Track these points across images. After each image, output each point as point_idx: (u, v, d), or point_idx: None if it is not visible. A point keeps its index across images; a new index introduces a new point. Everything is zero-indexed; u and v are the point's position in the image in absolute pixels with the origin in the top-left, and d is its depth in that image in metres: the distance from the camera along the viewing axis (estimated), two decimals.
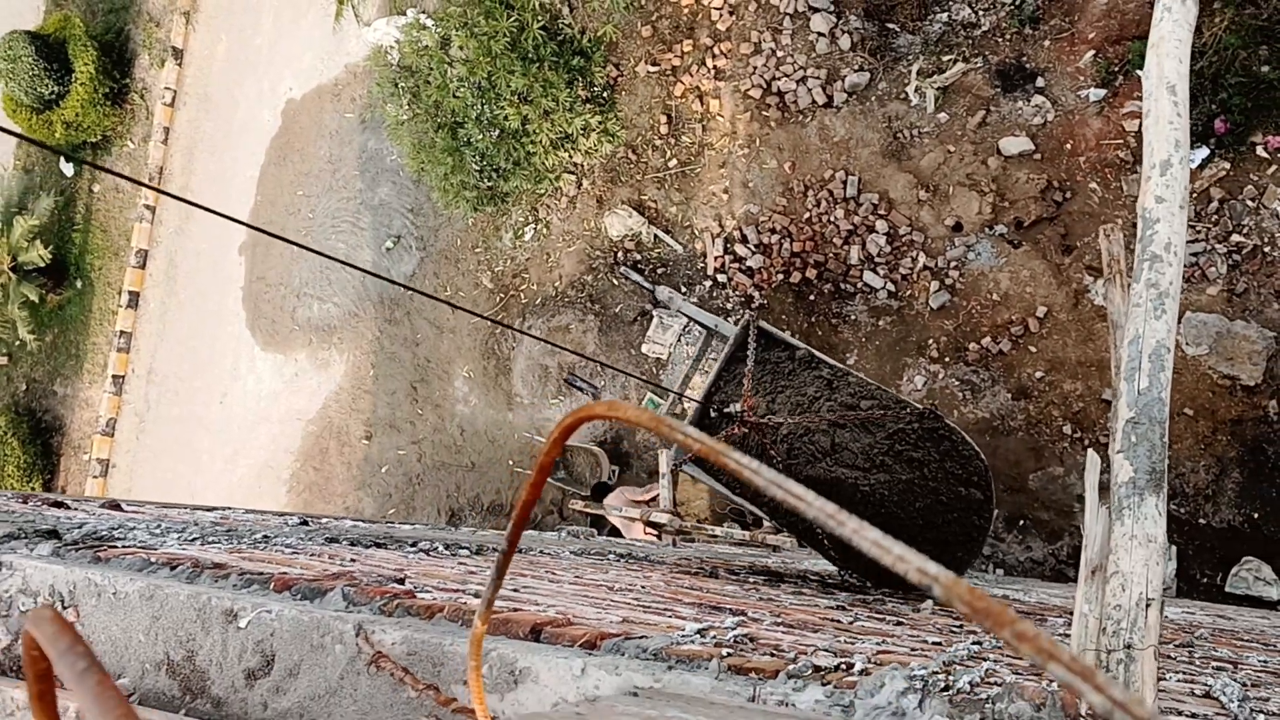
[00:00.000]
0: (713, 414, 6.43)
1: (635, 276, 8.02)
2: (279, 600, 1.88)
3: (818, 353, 6.58)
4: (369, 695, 1.65)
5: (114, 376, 15.43)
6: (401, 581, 2.32)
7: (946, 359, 9.61)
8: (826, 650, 1.92)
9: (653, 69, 11.31)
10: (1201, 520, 8.69)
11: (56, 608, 1.97)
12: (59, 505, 3.33)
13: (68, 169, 16.57)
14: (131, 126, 16.10)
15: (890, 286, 9.88)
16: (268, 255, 14.28)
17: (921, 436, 6.17)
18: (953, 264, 9.64)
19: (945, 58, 9.84)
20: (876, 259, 9.96)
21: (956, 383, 9.52)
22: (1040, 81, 9.47)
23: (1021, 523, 9.29)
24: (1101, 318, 9.18)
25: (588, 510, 8.69)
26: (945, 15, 9.90)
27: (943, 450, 6.15)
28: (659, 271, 11.09)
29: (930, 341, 9.70)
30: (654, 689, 1.48)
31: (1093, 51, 9.24)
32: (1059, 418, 9.13)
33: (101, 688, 0.61)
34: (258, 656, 1.74)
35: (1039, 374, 9.23)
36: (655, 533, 8.45)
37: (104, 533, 2.44)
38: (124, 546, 2.27)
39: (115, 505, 3.74)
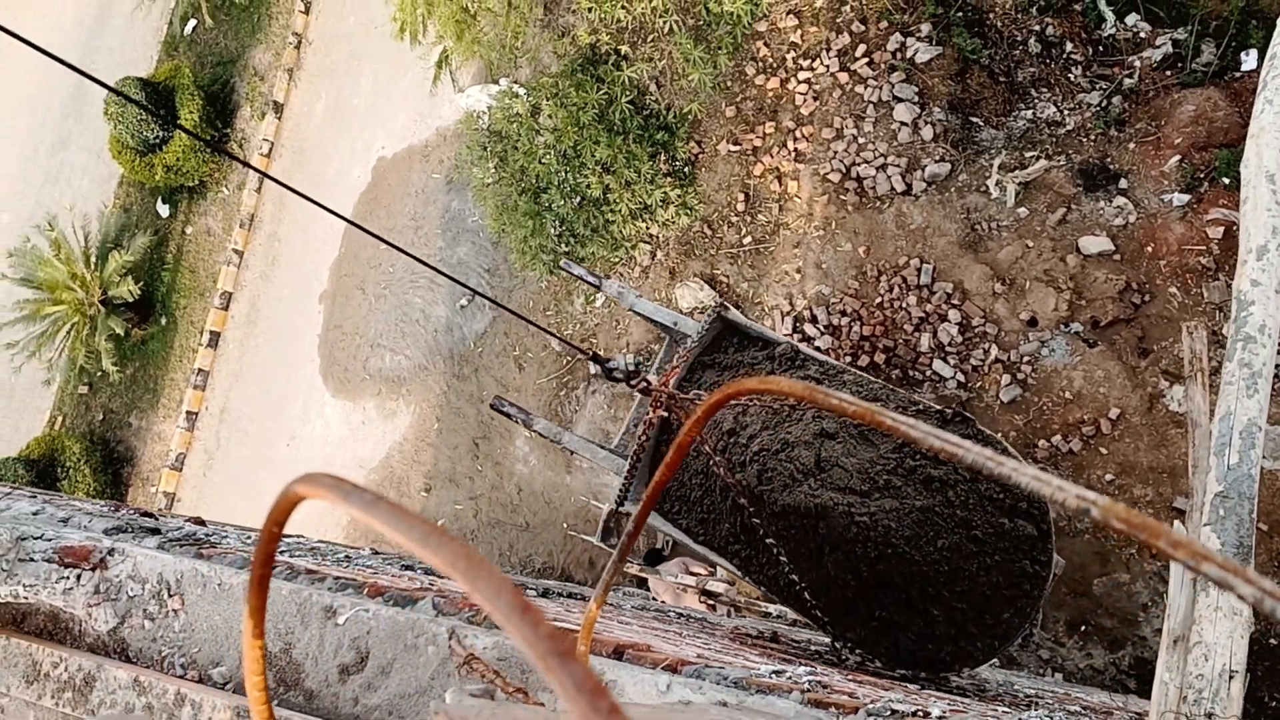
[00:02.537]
0: (629, 385, 5.07)
1: (577, 270, 6.68)
2: (374, 602, 1.95)
3: (804, 348, 5.58)
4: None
5: (188, 413, 15.84)
6: None
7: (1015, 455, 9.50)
8: (902, 701, 1.94)
9: (734, 148, 11.54)
10: (1273, 641, 8.41)
11: (164, 594, 2.06)
12: (148, 515, 3.46)
13: (163, 210, 17.26)
14: (228, 174, 16.76)
15: (960, 377, 9.84)
16: (346, 305, 14.66)
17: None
18: (1025, 359, 9.58)
19: (1028, 154, 9.91)
20: (947, 348, 9.94)
21: None
22: (1123, 183, 9.48)
23: (1083, 628, 9.06)
24: (1176, 424, 9.04)
25: (641, 574, 8.66)
26: (1030, 112, 10.00)
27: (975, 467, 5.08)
28: None
29: (999, 435, 9.60)
30: (741, 704, 1.51)
31: (1178, 157, 9.25)
32: None
33: (395, 509, 0.67)
34: (352, 653, 1.80)
35: (1109, 477, 9.07)
36: (710, 602, 8.39)
37: (201, 536, 2.55)
38: (224, 548, 2.37)
39: (200, 521, 3.86)
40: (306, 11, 16.97)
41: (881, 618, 4.52)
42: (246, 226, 16.19)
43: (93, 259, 16.15)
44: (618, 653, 1.86)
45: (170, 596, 2.05)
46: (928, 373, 10.00)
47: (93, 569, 1.94)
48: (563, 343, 4.99)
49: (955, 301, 10.00)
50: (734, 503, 5.03)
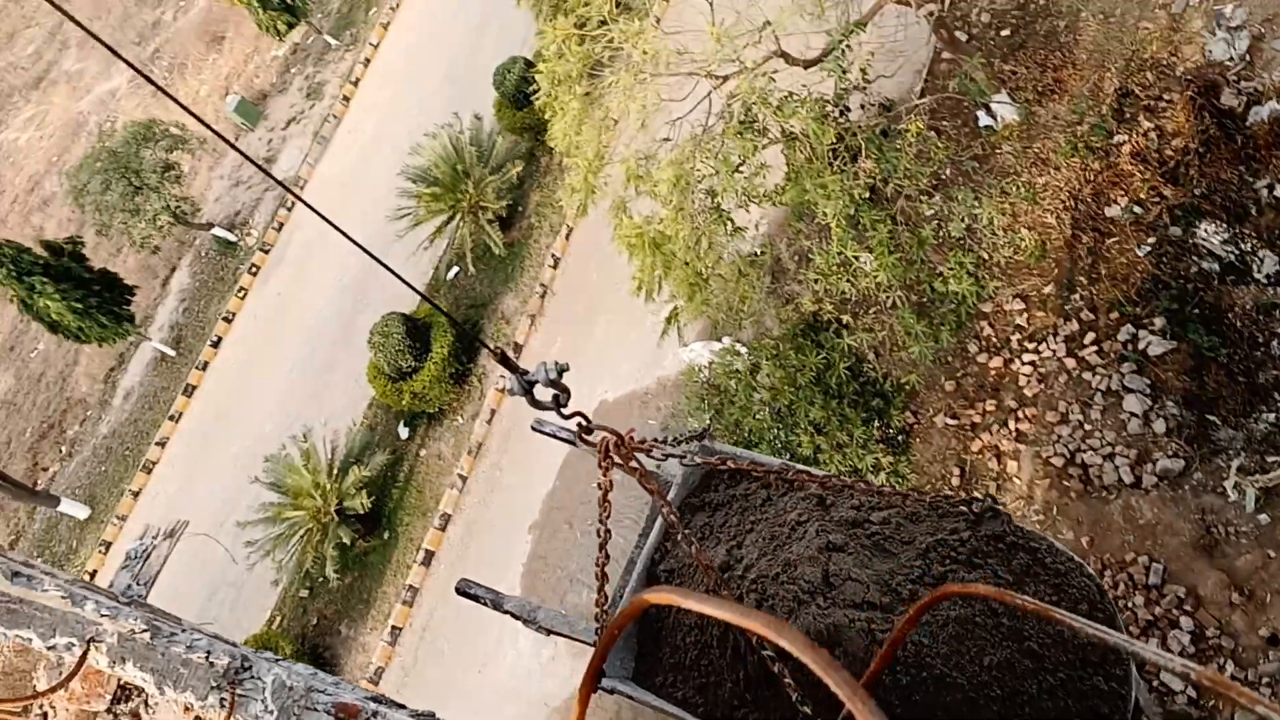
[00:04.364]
0: (560, 415, 4.19)
1: (548, 429, 6.02)
2: None
3: (799, 466, 4.86)
4: None
5: (393, 627, 16.42)
6: None
7: None
8: None
9: (951, 421, 11.46)
10: None
11: None
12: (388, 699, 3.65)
13: (404, 432, 18.65)
14: (465, 404, 18.04)
15: (1192, 692, 8.95)
16: (553, 537, 15.09)
17: (976, 549, 4.08)
18: (1264, 679, 8.63)
19: (1270, 458, 9.31)
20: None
21: None
22: None
23: None
24: None
25: None
26: (1273, 416, 9.48)
27: (1018, 566, 4.00)
28: None
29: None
30: None
31: None
32: None
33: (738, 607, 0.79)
34: None
35: None
36: None
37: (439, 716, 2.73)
38: None
39: (431, 715, 4.01)
40: (555, 266, 18.57)
41: None
42: (474, 454, 17.21)
43: (335, 471, 17.48)
44: None
45: None
46: (1155, 683, 9.15)
47: None
48: (487, 348, 4.16)
49: (1188, 608, 9.24)
50: (734, 652, 4.28)
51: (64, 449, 25.12)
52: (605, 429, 4.19)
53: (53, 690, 1.88)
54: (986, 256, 13.64)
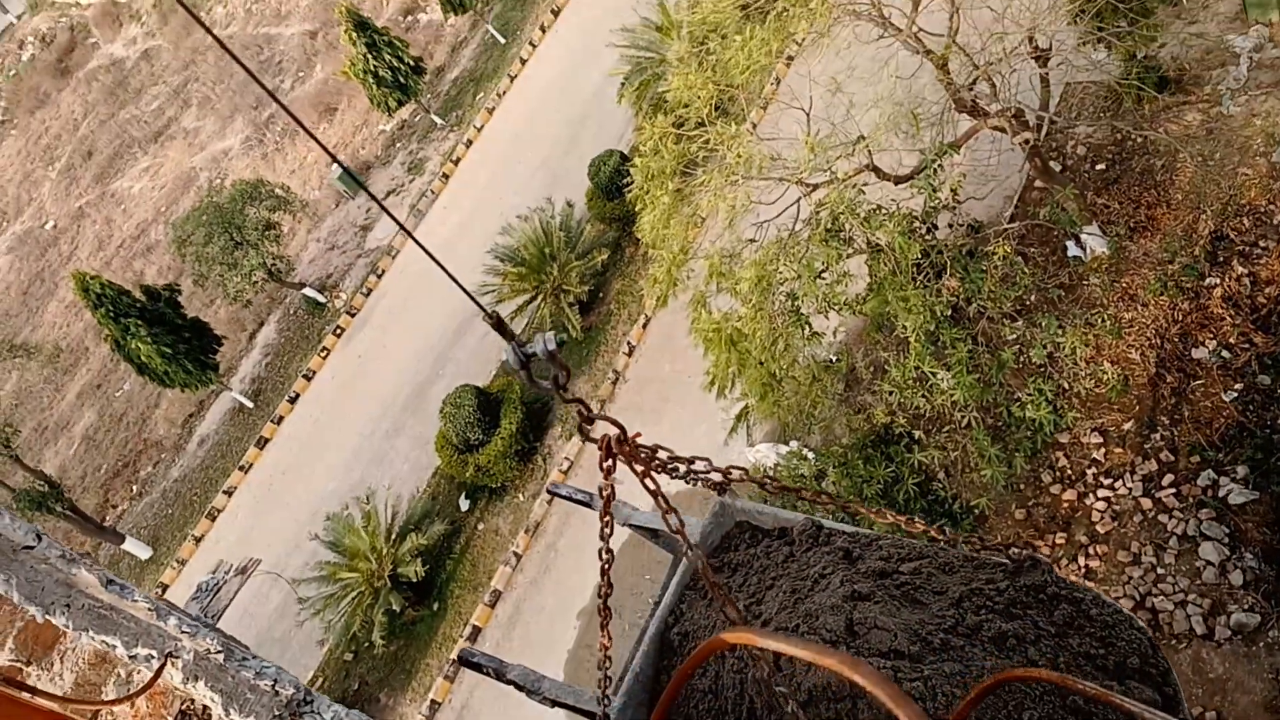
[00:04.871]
0: (563, 399, 3.71)
1: (564, 491, 5.62)
2: None
3: (827, 522, 4.58)
4: None
5: (432, 701, 16.29)
6: None
7: None
8: None
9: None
10: None
11: None
12: None
13: (464, 504, 18.76)
14: (527, 482, 18.12)
15: None
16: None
17: (1015, 599, 3.76)
18: None
19: None
20: None
21: None
22: None
23: None
24: None
25: None
26: None
27: (1060, 618, 3.66)
28: None
29: None
30: None
31: None
32: None
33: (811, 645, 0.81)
34: None
35: None
36: None
37: None
38: None
39: None
40: (630, 353, 18.75)
41: None
42: (530, 533, 17.21)
43: (393, 536, 17.61)
44: None
45: None
46: None
47: None
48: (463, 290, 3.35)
49: None
50: (751, 717, 3.91)
51: (135, 488, 25.76)
52: (609, 419, 3.65)
53: (130, 698, 1.95)
54: (1066, 386, 13.44)
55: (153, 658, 1.89)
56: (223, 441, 24.76)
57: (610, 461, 3.78)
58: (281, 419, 23.90)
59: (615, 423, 3.62)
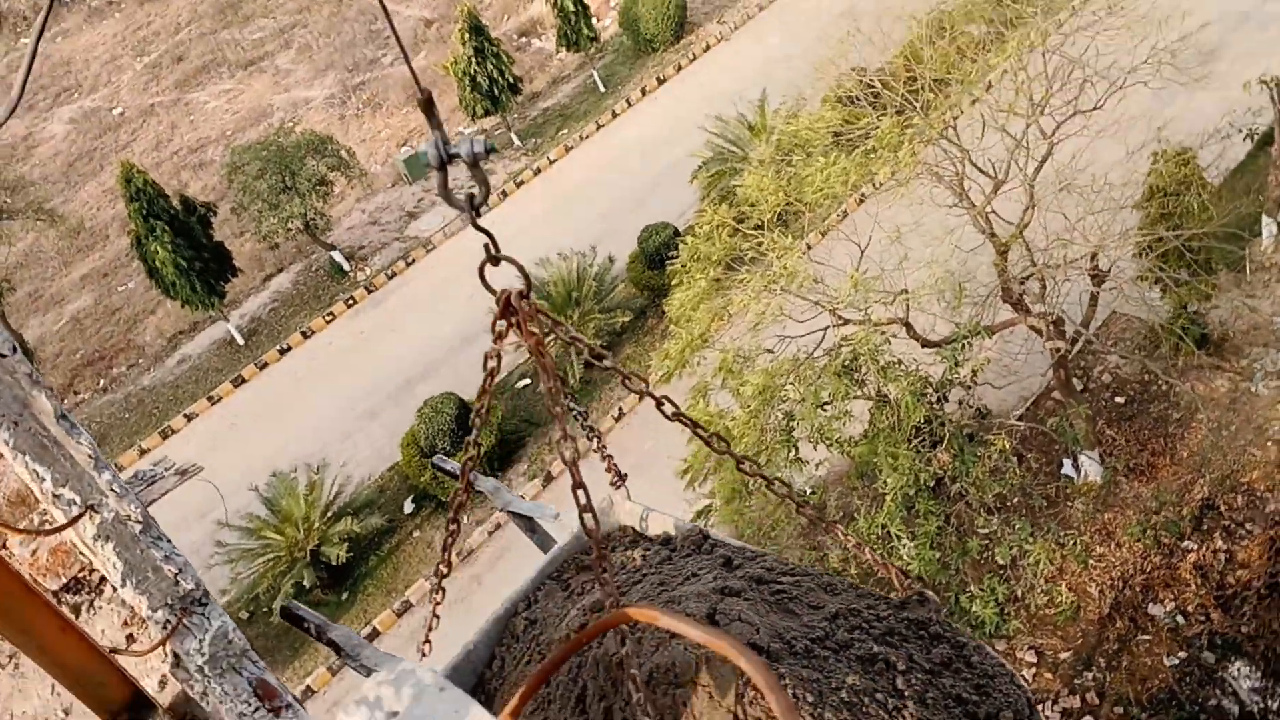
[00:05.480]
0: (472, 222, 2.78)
1: (449, 466, 4.86)
2: None
3: (713, 533, 4.39)
4: None
5: (308, 687, 15.96)
6: None
7: None
8: None
9: None
10: None
11: None
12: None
13: (409, 507, 18.60)
14: (476, 507, 17.96)
15: None
16: None
17: (894, 629, 3.59)
18: None
19: None
20: None
21: None
22: None
23: None
24: None
25: None
26: None
27: (939, 657, 3.49)
28: None
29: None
30: None
31: None
32: None
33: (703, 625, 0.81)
34: None
35: None
36: None
37: None
38: None
39: None
40: (618, 419, 18.72)
41: None
42: (462, 556, 17.01)
43: (329, 513, 17.42)
44: None
45: None
46: None
47: (271, 711, 2.10)
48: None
49: None
50: (579, 703, 3.59)
51: (103, 383, 25.62)
52: (515, 263, 2.82)
53: (42, 532, 1.94)
54: (1019, 595, 13.38)
55: (75, 504, 1.88)
56: (202, 367, 24.68)
57: (504, 322, 3.10)
58: (266, 365, 23.84)
59: (522, 271, 2.85)
